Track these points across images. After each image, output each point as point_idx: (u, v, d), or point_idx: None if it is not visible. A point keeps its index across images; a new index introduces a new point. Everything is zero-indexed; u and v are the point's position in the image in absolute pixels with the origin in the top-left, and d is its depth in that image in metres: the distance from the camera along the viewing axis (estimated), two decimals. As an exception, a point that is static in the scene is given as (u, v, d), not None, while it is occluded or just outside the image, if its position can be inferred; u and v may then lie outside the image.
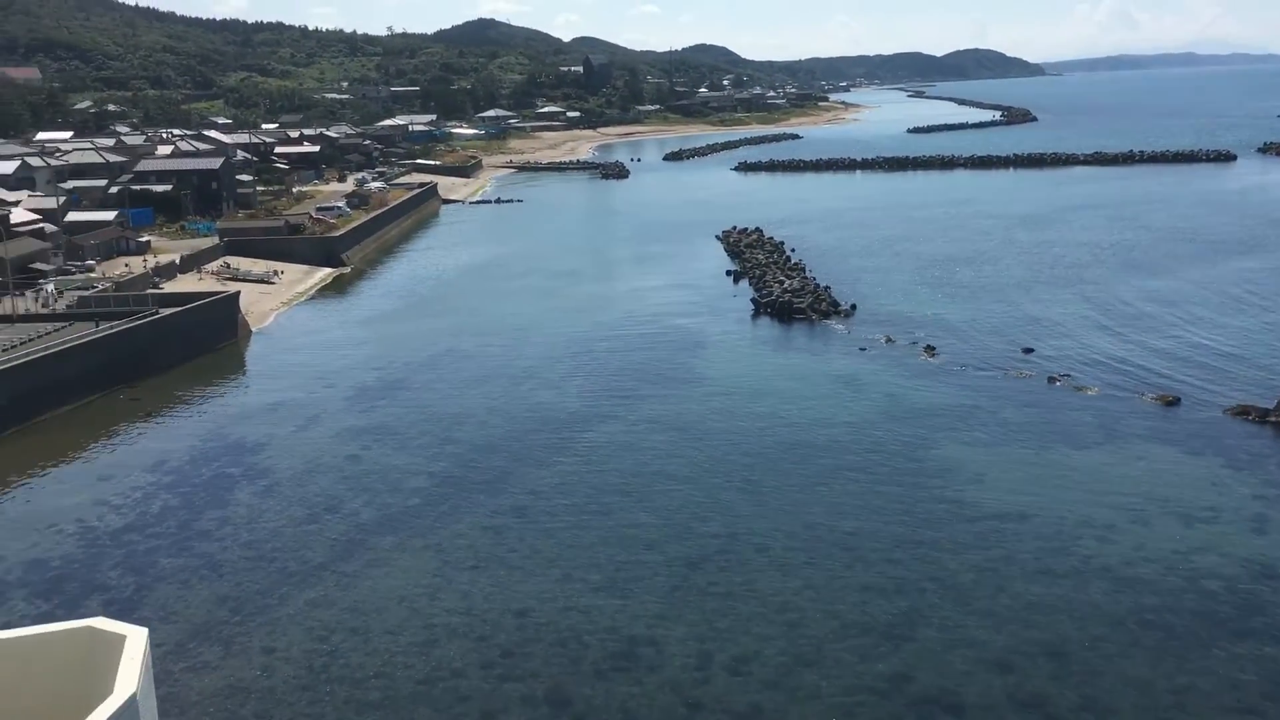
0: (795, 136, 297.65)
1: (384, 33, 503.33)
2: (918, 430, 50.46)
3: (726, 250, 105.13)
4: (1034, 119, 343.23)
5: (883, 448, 48.39)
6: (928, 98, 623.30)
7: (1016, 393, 55.57)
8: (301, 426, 55.12)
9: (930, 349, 64.32)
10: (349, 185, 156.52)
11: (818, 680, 30.18)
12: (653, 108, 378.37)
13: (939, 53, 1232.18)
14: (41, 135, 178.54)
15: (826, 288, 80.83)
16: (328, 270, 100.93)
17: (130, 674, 9.80)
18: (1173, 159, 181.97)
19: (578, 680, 30.79)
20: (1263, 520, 38.95)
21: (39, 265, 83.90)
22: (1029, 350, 63.14)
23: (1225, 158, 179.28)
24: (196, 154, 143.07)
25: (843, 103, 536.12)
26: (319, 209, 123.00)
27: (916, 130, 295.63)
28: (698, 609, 34.55)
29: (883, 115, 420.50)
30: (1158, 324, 68.11)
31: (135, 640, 10.39)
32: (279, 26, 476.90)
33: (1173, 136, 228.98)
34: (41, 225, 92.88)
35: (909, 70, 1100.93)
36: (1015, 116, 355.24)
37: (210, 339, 71.43)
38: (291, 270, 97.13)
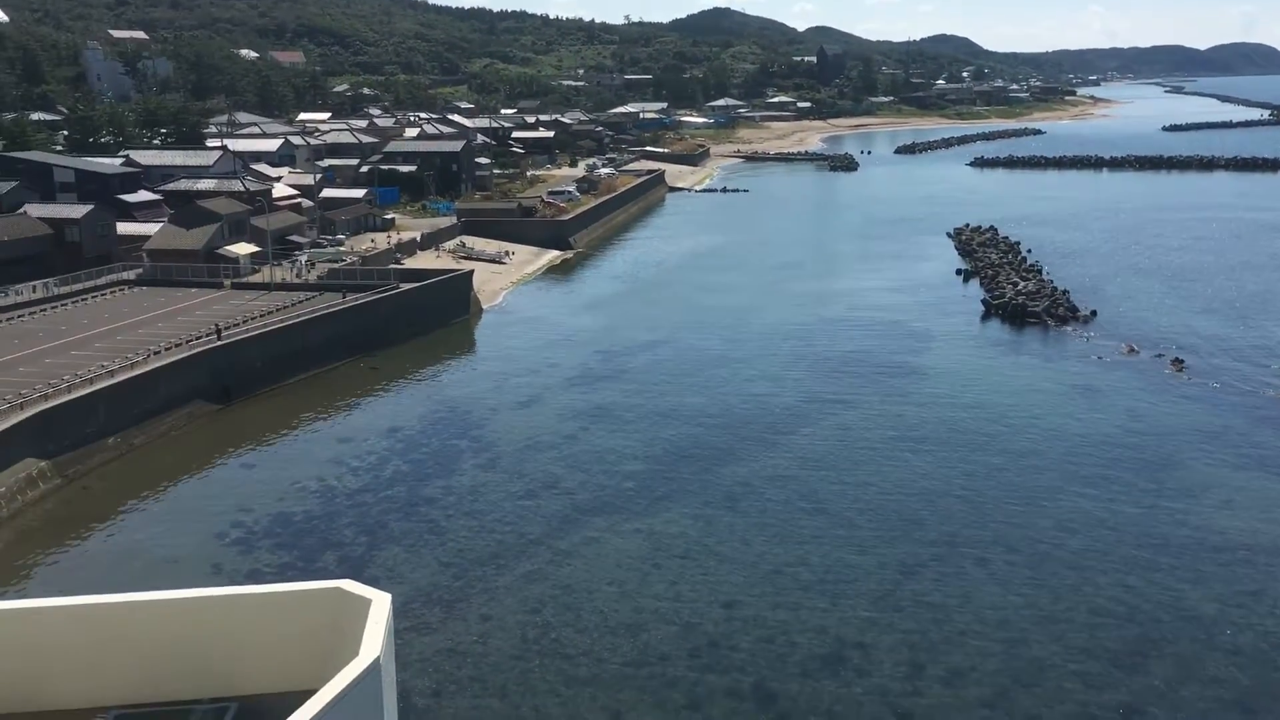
0: (1037, 132, 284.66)
1: (621, 21, 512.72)
2: (1160, 448, 47.31)
3: (957, 248, 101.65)
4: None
5: (1119, 464, 45.60)
6: (1187, 94, 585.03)
7: (1273, 416, 51.26)
8: (524, 404, 56.74)
9: (1178, 363, 60.17)
10: (580, 170, 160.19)
11: (1037, 705, 28.70)
12: (886, 99, 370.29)
13: (1201, 46, 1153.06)
14: (303, 116, 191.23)
15: (1065, 291, 76.88)
16: (556, 253, 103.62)
17: (375, 637, 10.18)
18: None
19: (784, 678, 30.39)
20: None
21: (295, 238, 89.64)
22: (1291, 369, 58.21)
23: None
24: (440, 137, 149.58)
25: (1091, 97, 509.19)
26: (550, 193, 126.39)
27: (1173, 128, 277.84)
28: (911, 617, 33.49)
29: (1136, 111, 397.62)
30: None
31: (380, 605, 10.77)
32: (521, 15, 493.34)
33: None
34: (299, 200, 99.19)
35: (1167, 64, 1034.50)
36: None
37: (444, 314, 74.49)
38: (522, 251, 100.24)
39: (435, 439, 51.36)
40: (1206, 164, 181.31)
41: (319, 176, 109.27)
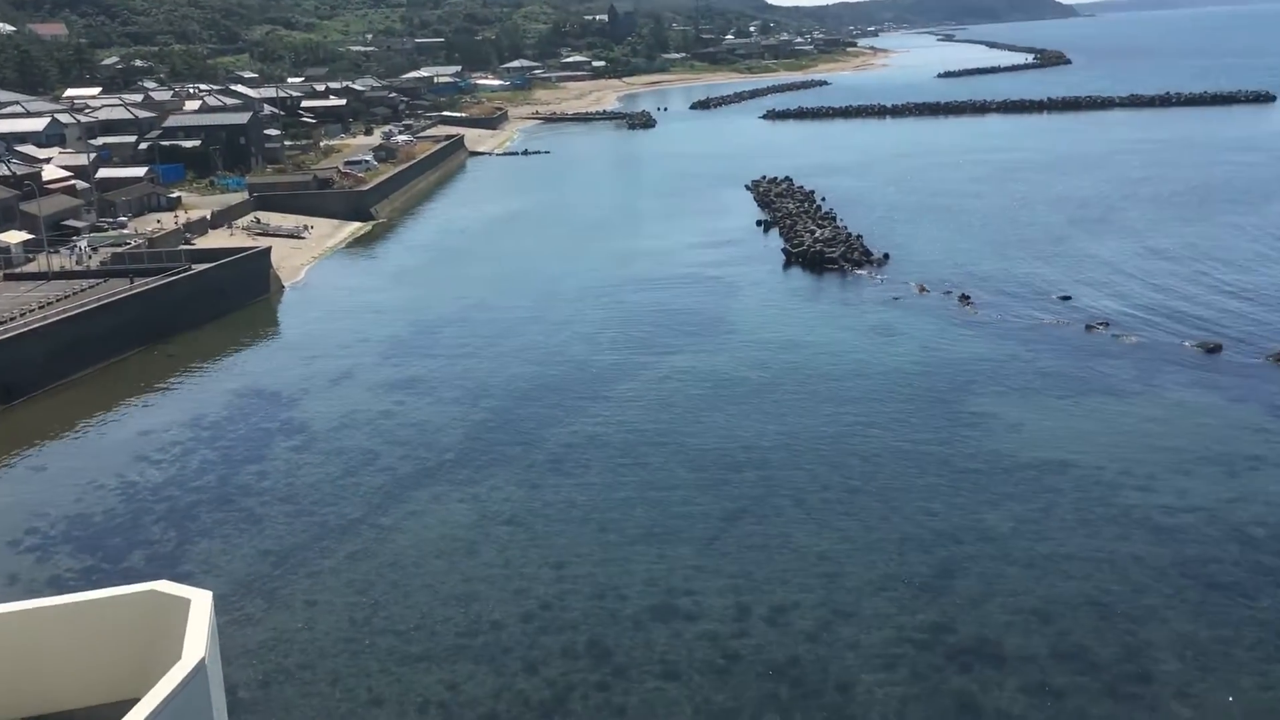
0: (824, 83, 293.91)
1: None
2: (953, 380, 50.04)
3: (756, 200, 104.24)
4: (1068, 61, 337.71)
5: (918, 398, 48.04)
6: (958, 41, 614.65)
7: (1054, 342, 54.96)
8: (336, 380, 55.32)
9: (965, 298, 63.66)
10: (376, 139, 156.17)
11: (856, 633, 30.14)
12: (679, 56, 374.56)
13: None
14: (70, 92, 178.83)
15: (859, 237, 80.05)
16: (357, 224, 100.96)
17: (198, 638, 9.77)
18: (1210, 101, 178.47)
19: (616, 632, 30.91)
20: (1307, 469, 38.46)
21: (72, 222, 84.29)
22: (1066, 298, 62.38)
23: (1265, 99, 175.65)
24: (224, 109, 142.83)
25: (871, 48, 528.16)
26: (347, 163, 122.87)
27: (947, 75, 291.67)
28: (735, 561, 34.55)
29: (913, 60, 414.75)
30: (1197, 270, 67.03)
31: (200, 603, 10.34)
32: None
33: (1211, 77, 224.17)
34: (73, 182, 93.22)
35: (939, 13, 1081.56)
36: (1049, 59, 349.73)
37: (243, 294, 71.66)
38: (321, 225, 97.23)
39: (243, 424, 49.54)
40: (979, 108, 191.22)
41: (93, 156, 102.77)
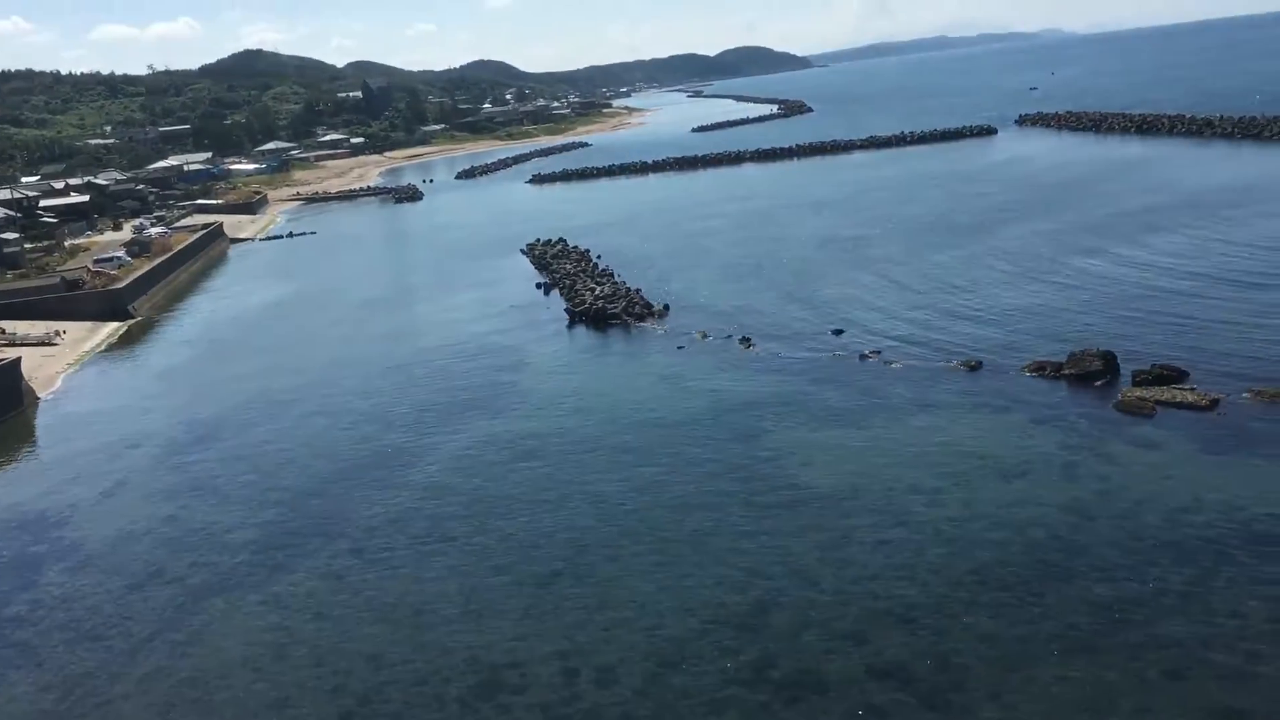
0: (584, 145, 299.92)
1: (145, 72, 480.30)
2: (744, 420, 51.48)
3: (533, 263, 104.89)
4: (809, 110, 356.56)
5: (713, 441, 49.14)
6: (706, 96, 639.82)
7: (832, 374, 57.42)
8: (108, 492, 51.89)
9: (746, 340, 65.79)
10: (127, 233, 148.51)
11: (685, 681, 30.33)
12: (438, 127, 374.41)
13: (712, 52, 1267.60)
14: None
15: (638, 290, 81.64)
16: (115, 324, 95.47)
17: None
18: (940, 137, 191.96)
19: (444, 718, 30.00)
20: (1071, 468, 41.45)
21: None
22: (839, 332, 65.38)
23: (988, 132, 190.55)
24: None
25: (626, 108, 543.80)
26: (97, 261, 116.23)
27: (701, 129, 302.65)
28: (556, 625, 34.23)
29: (666, 117, 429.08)
30: (954, 294, 71.59)
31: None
32: (28, 74, 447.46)
33: (937, 116, 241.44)
34: None
35: (685, 71, 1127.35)
36: (792, 108, 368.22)
37: (-7, 411, 66.38)
38: (75, 328, 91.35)
39: (6, 550, 45.73)
40: (735, 158, 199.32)
41: None
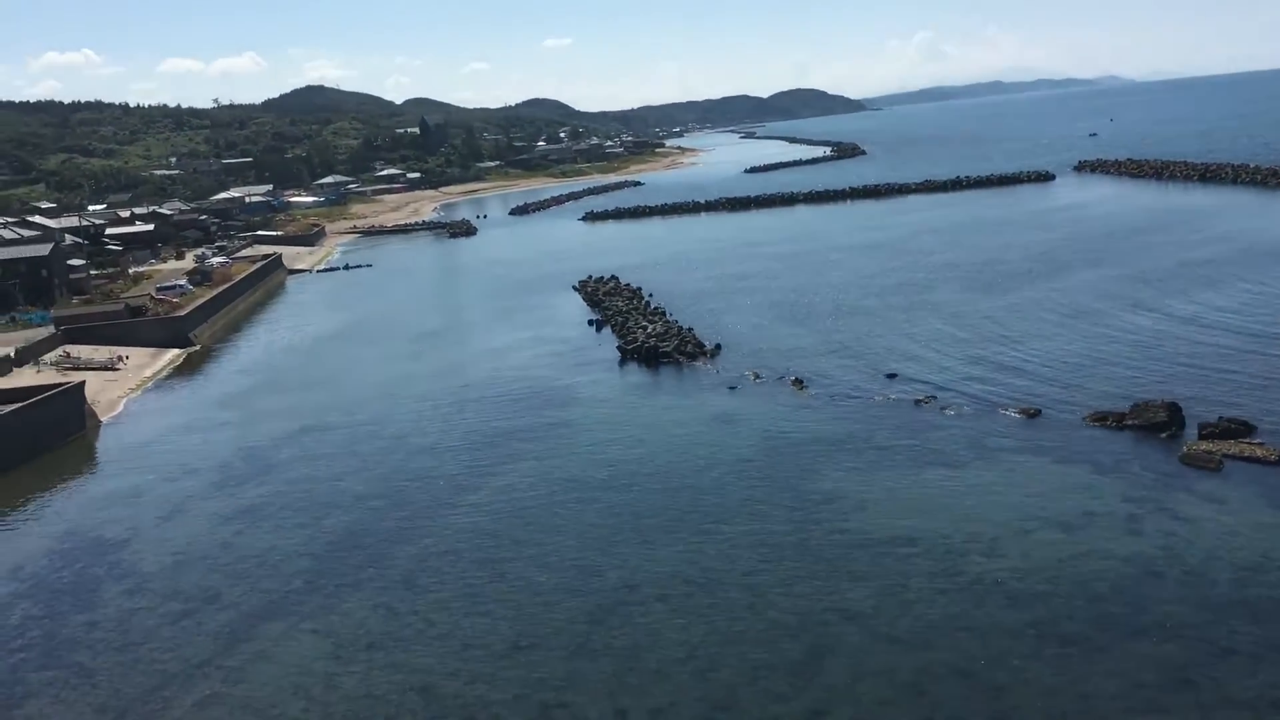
0: (637, 184, 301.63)
1: (210, 105, 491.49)
2: (798, 463, 51.11)
3: (585, 300, 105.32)
4: (863, 152, 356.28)
5: (766, 484, 48.80)
6: (759, 138, 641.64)
7: (886, 418, 56.91)
8: (166, 516, 52.51)
9: (799, 382, 65.47)
10: (189, 262, 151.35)
11: (737, 725, 29.93)
12: (493, 164, 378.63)
13: (765, 94, 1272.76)
14: None
15: (690, 329, 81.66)
16: (176, 351, 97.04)
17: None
18: (998, 182, 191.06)
19: (494, 753, 29.83)
20: (1135, 520, 40.63)
21: None
22: (892, 375, 64.86)
23: (1045, 178, 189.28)
24: (21, 241, 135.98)
25: (679, 148, 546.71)
26: (160, 288, 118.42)
27: (753, 170, 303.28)
28: (606, 665, 33.99)
29: (719, 157, 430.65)
30: (1009, 341, 70.83)
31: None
32: (98, 105, 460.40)
33: (994, 161, 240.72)
34: None
35: (738, 113, 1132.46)
36: (845, 151, 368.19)
37: (57, 434, 67.65)
38: (137, 354, 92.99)
39: (68, 571, 46.32)
40: (788, 200, 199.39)
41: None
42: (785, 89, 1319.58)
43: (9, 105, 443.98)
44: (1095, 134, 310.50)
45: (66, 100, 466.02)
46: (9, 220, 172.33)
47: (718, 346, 77.35)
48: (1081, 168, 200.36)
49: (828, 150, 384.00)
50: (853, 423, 56.69)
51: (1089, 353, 65.77)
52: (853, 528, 42.73)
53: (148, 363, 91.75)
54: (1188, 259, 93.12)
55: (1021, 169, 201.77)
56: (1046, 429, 52.39)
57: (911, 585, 37.28)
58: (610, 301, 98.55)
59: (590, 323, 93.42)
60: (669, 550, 42.42)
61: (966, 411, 56.30)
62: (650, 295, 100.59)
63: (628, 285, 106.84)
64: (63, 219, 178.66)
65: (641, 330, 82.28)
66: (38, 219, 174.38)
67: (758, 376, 68.22)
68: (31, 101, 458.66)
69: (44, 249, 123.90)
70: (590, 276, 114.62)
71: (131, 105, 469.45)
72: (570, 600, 38.85)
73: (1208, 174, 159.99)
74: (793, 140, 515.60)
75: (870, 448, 52.39)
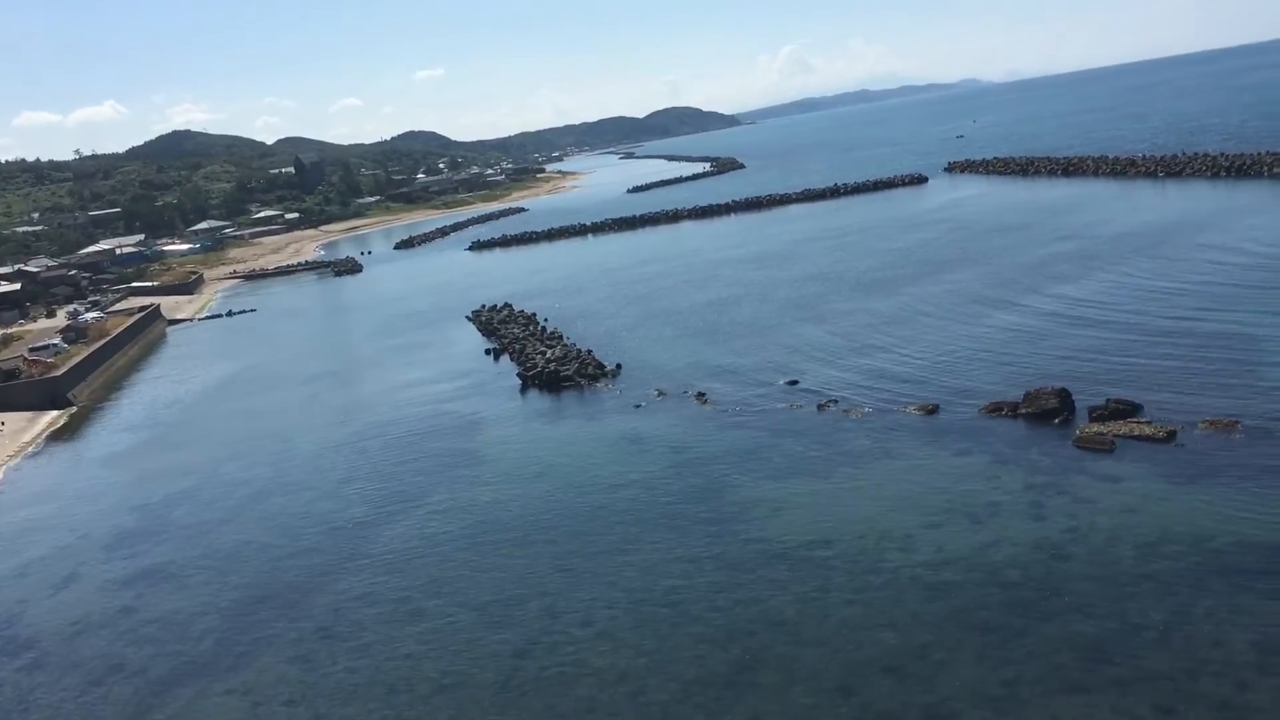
0: (521, 210, 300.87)
1: (72, 157, 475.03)
2: (709, 476, 51.32)
3: (480, 330, 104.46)
4: (741, 166, 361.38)
5: (680, 499, 48.87)
6: (639, 157, 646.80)
7: (791, 424, 57.56)
8: (60, 585, 50.27)
9: (701, 396, 65.85)
10: (61, 320, 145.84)
11: (675, 744, 29.78)
12: (373, 199, 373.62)
13: (641, 114, 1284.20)
14: None
15: (589, 351, 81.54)
16: (55, 413, 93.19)
17: None
18: (873, 187, 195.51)
19: (430, 799, 29.12)
20: (1038, 506, 41.76)
21: None
22: (794, 382, 65.68)
23: (918, 181, 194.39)
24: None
25: (560, 172, 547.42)
26: (32, 349, 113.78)
27: (636, 189, 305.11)
28: (536, 699, 33.54)
29: (601, 179, 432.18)
30: (902, 340, 72.36)
31: None
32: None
33: (868, 167, 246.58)
34: None
35: (615, 134, 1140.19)
36: (724, 165, 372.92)
37: (-69, 509, 64.21)
38: (13, 419, 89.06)
39: (-44, 655, 43.86)
40: (673, 216, 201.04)
41: None
42: (660, 108, 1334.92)
43: None
44: (962, 136, 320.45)
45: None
46: None
47: (618, 366, 77.38)
48: (952, 168, 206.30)
49: (707, 166, 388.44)
50: (759, 432, 57.19)
51: (978, 347, 67.51)
52: (769, 536, 43.03)
53: (25, 427, 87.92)
54: (1060, 251, 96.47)
55: (895, 174, 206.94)
56: (945, 423, 53.59)
57: (832, 587, 37.67)
58: (506, 329, 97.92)
59: (487, 352, 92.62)
60: (588, 575, 42.13)
61: (868, 412, 57.26)
62: (545, 320, 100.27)
63: (521, 312, 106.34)
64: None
65: (540, 356, 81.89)
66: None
67: (661, 394, 68.40)
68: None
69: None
70: (483, 306, 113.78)
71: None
72: (493, 634, 38.27)
73: (1070, 168, 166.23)
74: (672, 158, 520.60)
75: (778, 455, 52.89)
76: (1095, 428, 47.97)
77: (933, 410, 55.49)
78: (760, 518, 45.18)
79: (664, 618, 37.51)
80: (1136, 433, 46.61)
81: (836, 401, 59.99)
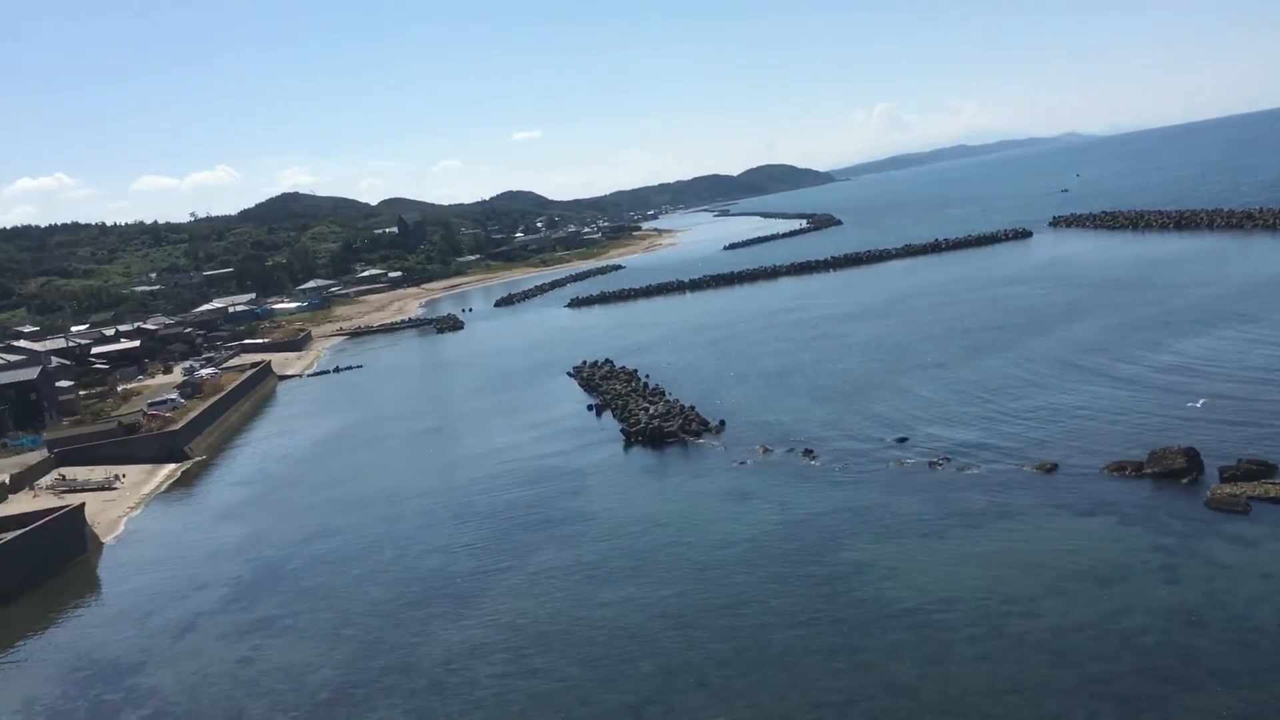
0: (619, 267, 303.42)
1: (187, 219, 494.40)
2: (820, 535, 50.47)
3: (581, 385, 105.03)
4: (838, 222, 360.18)
5: (791, 558, 48.09)
6: (733, 215, 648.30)
7: (903, 482, 56.44)
8: (179, 635, 51.32)
9: (809, 452, 65.01)
10: (177, 376, 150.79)
11: (797, 811, 28.95)
12: (473, 258, 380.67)
13: (735, 172, 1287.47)
14: None
15: (692, 407, 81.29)
16: (173, 466, 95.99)
17: None
18: (976, 242, 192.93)
19: None
20: (1170, 569, 40.09)
21: None
22: (903, 439, 64.50)
23: (1023, 235, 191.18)
24: (9, 366, 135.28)
25: (655, 230, 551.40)
26: (151, 404, 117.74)
27: (733, 246, 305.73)
28: (652, 758, 32.99)
29: (696, 236, 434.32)
30: (1013, 396, 70.67)
31: None
32: (74, 227, 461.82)
33: (969, 222, 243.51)
34: None
35: (710, 191, 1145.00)
36: (820, 222, 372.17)
37: (58, 558, 66.47)
38: (134, 472, 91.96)
39: (83, 700, 45.04)
40: (771, 273, 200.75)
41: None
42: (754, 165, 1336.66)
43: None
44: (1066, 190, 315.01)
45: (43, 224, 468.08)
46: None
47: (722, 422, 76.95)
48: (1057, 223, 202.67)
49: (803, 222, 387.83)
50: (870, 490, 56.18)
51: (1094, 404, 65.57)
52: (885, 597, 42.02)
53: (145, 479, 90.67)
54: (1177, 306, 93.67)
55: (998, 228, 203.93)
56: (1064, 482, 51.98)
57: (954, 652, 36.52)
58: (608, 385, 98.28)
59: (590, 408, 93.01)
60: (701, 634, 41.56)
61: (982, 470, 55.89)
62: (647, 376, 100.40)
63: (623, 368, 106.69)
64: (47, 341, 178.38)
65: (643, 411, 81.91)
66: (22, 343, 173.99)
67: (766, 450, 67.76)
68: (7, 228, 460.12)
69: (32, 372, 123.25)
70: (584, 362, 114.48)
71: (108, 224, 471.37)
72: (606, 693, 37.89)
73: (1183, 221, 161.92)
74: (767, 215, 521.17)
75: (890, 514, 51.82)
76: (1228, 489, 46.03)
77: (1051, 468, 53.91)
78: (875, 578, 44.18)
79: (780, 681, 36.72)
80: (1272, 494, 44.59)
81: (949, 459, 58.69)
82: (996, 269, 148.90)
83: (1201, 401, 61.00)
